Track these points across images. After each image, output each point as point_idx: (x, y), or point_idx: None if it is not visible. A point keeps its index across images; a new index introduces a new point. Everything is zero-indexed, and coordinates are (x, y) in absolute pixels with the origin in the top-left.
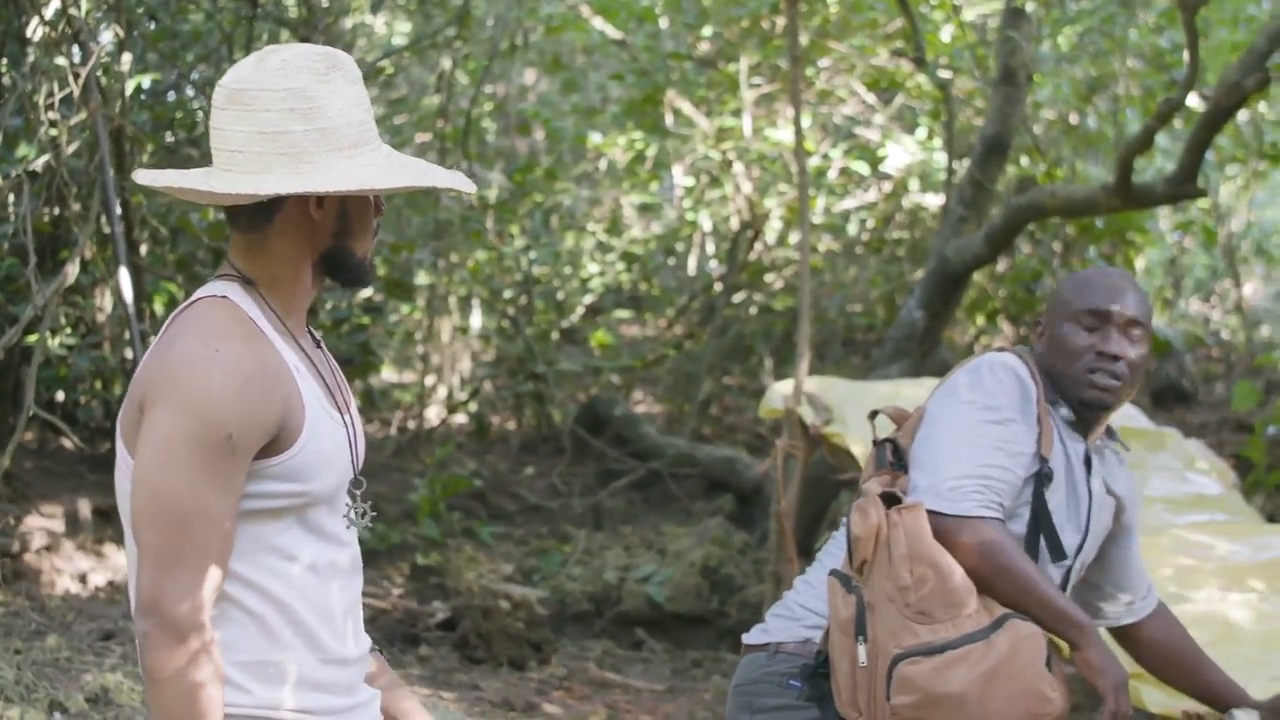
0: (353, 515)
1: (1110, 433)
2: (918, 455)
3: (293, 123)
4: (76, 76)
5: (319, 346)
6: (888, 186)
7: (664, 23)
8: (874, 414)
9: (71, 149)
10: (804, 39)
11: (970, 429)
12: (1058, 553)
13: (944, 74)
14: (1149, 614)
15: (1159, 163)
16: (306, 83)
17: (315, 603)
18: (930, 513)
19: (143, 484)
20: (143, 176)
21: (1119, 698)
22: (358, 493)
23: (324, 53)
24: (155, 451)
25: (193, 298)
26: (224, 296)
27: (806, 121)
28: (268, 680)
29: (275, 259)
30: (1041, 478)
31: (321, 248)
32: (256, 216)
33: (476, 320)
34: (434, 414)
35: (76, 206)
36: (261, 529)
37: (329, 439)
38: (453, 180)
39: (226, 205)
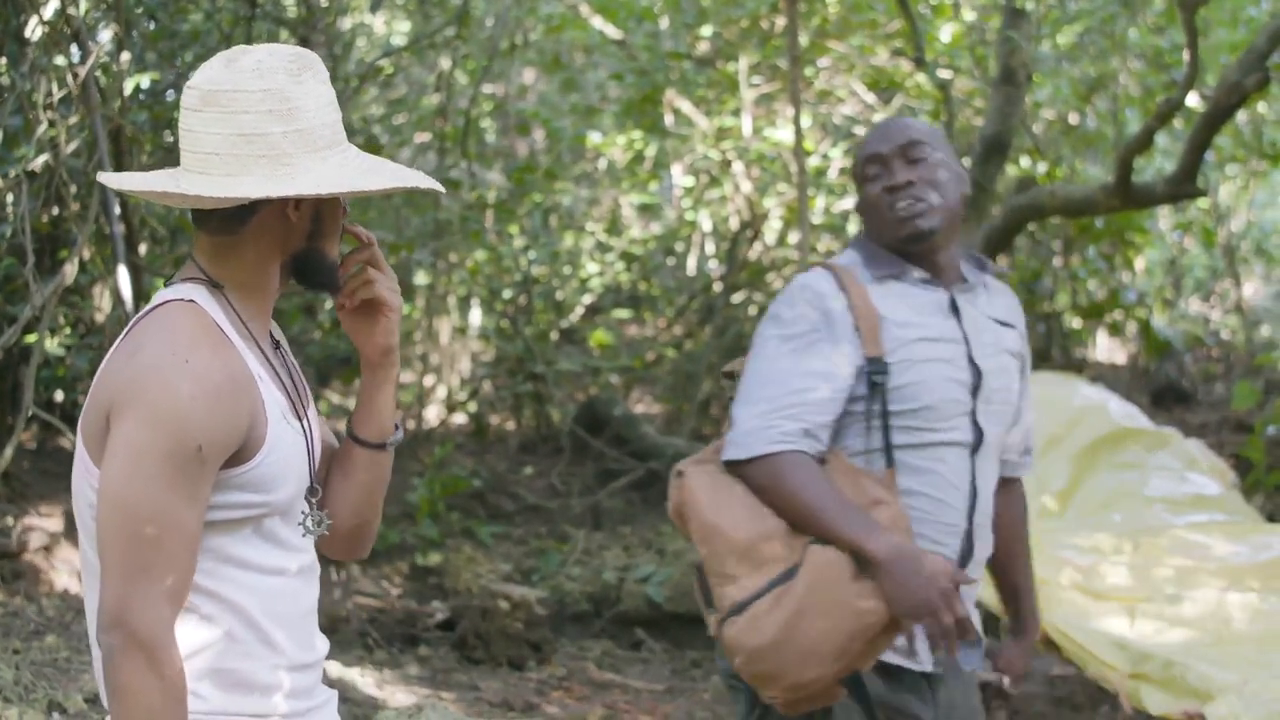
0: (308, 524)
1: (981, 264)
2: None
3: (272, 124)
4: (75, 76)
5: (278, 348)
6: None
7: (663, 22)
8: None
9: (70, 148)
10: (803, 39)
11: (769, 365)
12: (887, 454)
13: (943, 74)
14: (1010, 477)
15: (1158, 163)
16: (283, 83)
17: (273, 609)
18: (731, 463)
19: (110, 495)
20: (109, 180)
21: (908, 624)
22: (314, 500)
23: (295, 53)
24: (123, 463)
25: (157, 300)
26: (191, 300)
27: (806, 121)
28: (225, 687)
29: (246, 262)
30: (873, 378)
31: (293, 250)
32: (231, 219)
33: (475, 320)
34: (433, 414)
35: (75, 206)
36: (219, 539)
37: (290, 448)
38: (421, 180)
39: (204, 209)
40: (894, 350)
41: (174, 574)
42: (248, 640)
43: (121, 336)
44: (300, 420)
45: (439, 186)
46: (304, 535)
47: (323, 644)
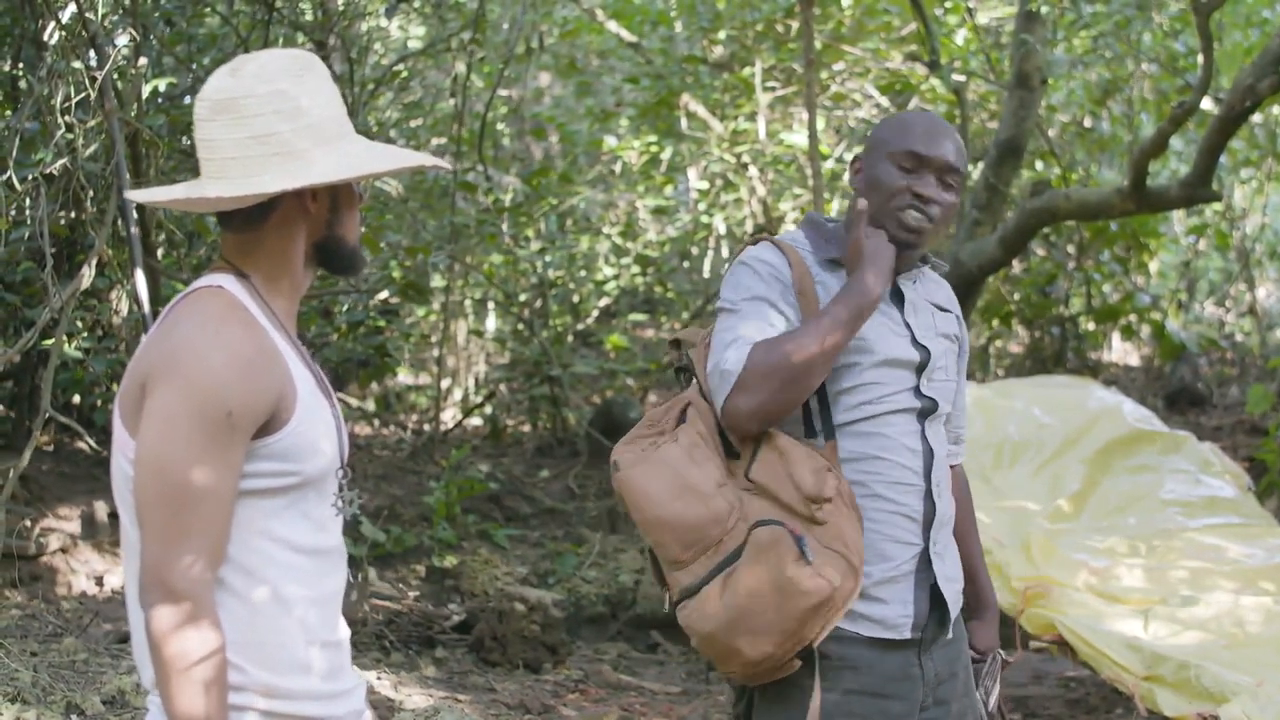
0: (339, 503)
1: (923, 258)
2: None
3: (281, 124)
4: (92, 80)
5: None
6: None
7: (678, 26)
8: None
9: (88, 152)
10: (818, 43)
11: (728, 323)
12: (827, 428)
13: (958, 78)
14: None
15: (1173, 166)
16: (287, 85)
17: (301, 586)
18: (732, 410)
19: (146, 461)
20: (135, 196)
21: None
22: (344, 481)
23: (294, 55)
24: (159, 430)
25: (190, 288)
26: (220, 286)
27: (821, 125)
28: (260, 661)
29: (271, 254)
30: None
31: (316, 238)
32: (253, 216)
33: (491, 323)
34: (449, 417)
35: (92, 210)
36: (252, 510)
37: (319, 423)
38: (426, 159)
39: (227, 210)
40: None
41: (210, 535)
42: (276, 614)
43: (157, 323)
44: (328, 399)
45: (444, 165)
46: (336, 515)
47: (344, 629)
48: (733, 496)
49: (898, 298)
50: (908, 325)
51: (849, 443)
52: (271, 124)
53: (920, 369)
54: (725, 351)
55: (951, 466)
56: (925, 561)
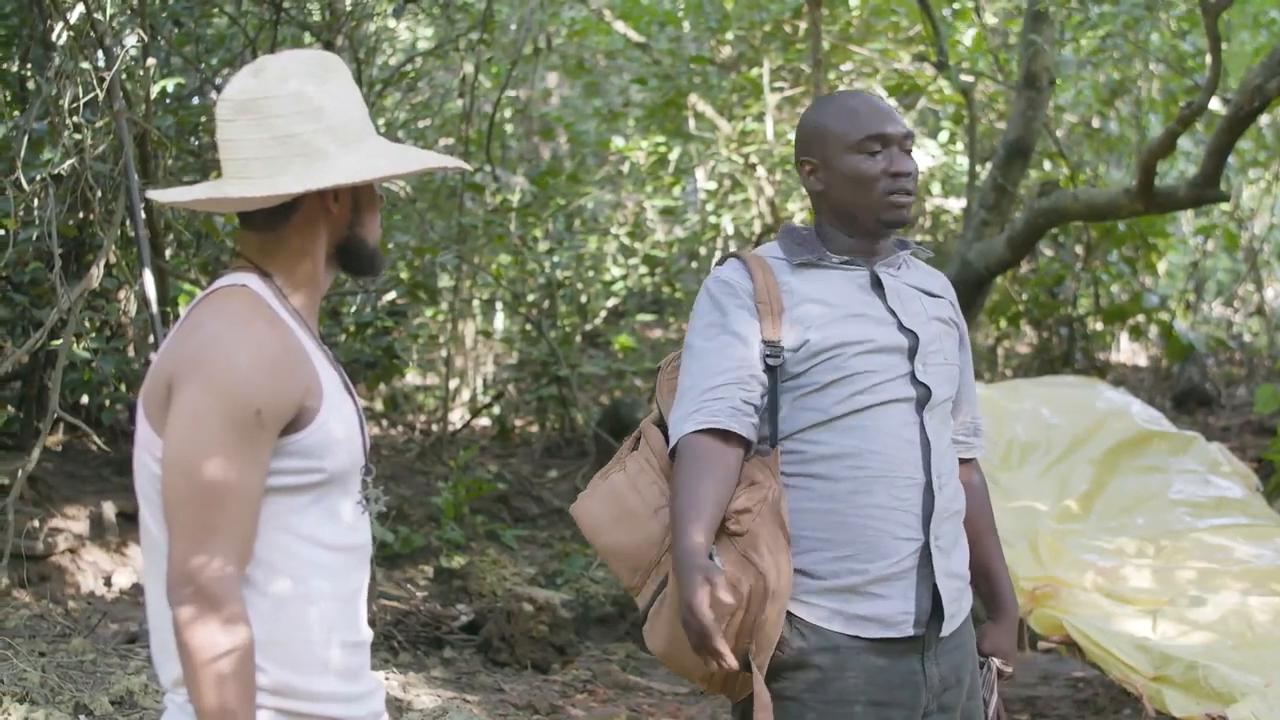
0: (364, 500)
1: (903, 244)
2: None
3: (302, 124)
4: (101, 80)
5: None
6: None
7: (686, 27)
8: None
9: (96, 153)
10: (826, 43)
11: (695, 360)
12: (774, 435)
13: (966, 78)
14: (965, 459)
15: (1181, 166)
16: (309, 86)
17: (329, 584)
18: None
19: (174, 461)
20: (158, 196)
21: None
22: (369, 478)
23: (315, 56)
24: (186, 429)
25: (213, 286)
26: (243, 285)
27: None
28: (282, 660)
29: (293, 254)
30: (767, 360)
31: (337, 239)
32: (275, 216)
33: (499, 323)
34: (457, 417)
35: (101, 210)
36: (278, 507)
37: (343, 420)
38: (447, 160)
39: (250, 210)
40: (813, 328)
41: (238, 534)
42: (299, 612)
43: (180, 321)
44: (351, 397)
45: (465, 165)
46: (362, 512)
47: (367, 630)
48: (668, 518)
49: (878, 287)
50: (892, 312)
51: (840, 438)
52: (293, 125)
53: (912, 354)
54: (679, 406)
55: (968, 460)
56: (927, 557)
